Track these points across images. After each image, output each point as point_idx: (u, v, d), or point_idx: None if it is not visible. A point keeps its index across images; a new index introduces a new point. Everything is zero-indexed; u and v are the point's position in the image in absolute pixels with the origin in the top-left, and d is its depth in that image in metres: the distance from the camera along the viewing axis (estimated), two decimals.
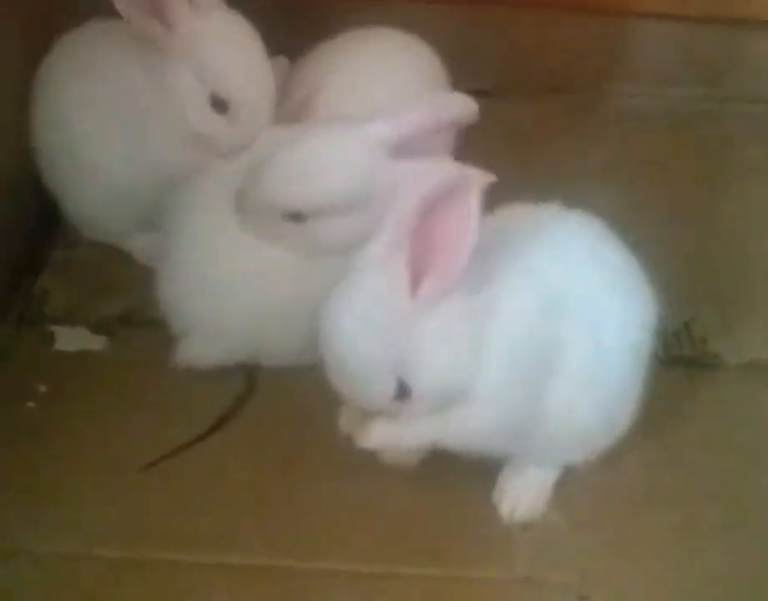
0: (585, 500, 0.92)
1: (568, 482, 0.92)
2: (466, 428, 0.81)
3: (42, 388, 1.03)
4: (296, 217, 0.90)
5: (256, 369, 1.04)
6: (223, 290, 0.96)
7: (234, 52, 0.97)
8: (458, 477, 0.93)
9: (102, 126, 1.07)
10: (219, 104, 0.97)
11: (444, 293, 0.75)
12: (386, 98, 1.02)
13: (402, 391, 0.77)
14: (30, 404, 1.01)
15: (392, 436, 0.82)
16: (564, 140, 1.37)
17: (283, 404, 1.01)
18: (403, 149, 0.86)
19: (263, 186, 0.90)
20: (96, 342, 1.09)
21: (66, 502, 0.92)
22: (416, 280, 0.74)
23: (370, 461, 0.94)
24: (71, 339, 1.09)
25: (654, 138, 1.40)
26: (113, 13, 0.96)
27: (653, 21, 1.58)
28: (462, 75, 1.35)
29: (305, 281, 0.93)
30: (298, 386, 1.01)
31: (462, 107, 0.88)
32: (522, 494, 0.91)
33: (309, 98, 1.03)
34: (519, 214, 0.86)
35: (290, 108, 1.03)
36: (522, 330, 0.78)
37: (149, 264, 1.12)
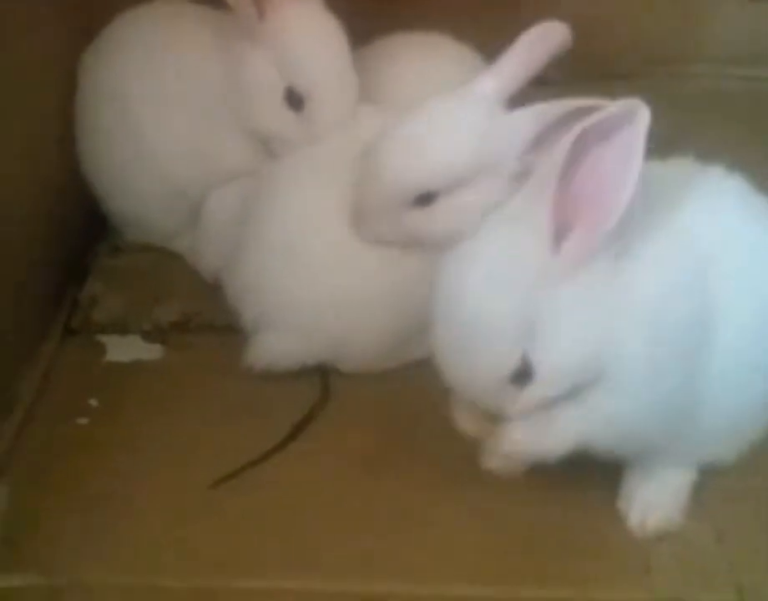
0: (730, 507, 0.80)
1: (709, 485, 0.80)
2: (611, 420, 0.69)
3: (95, 403, 0.93)
4: (426, 199, 0.82)
5: (330, 373, 0.94)
6: (307, 278, 0.88)
7: (321, 47, 0.92)
8: (573, 484, 0.81)
9: (162, 113, 0.99)
10: (294, 100, 0.92)
11: (590, 252, 0.64)
12: None
13: (523, 373, 0.66)
14: (82, 420, 0.91)
15: (532, 438, 0.71)
16: None
17: (360, 410, 0.91)
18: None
19: (385, 176, 0.82)
20: (150, 351, 0.99)
21: (126, 528, 0.81)
22: (561, 234, 0.64)
23: (469, 470, 0.84)
24: (123, 349, 1.00)
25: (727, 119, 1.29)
26: None
27: None
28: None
29: (393, 271, 0.87)
30: (373, 391, 0.92)
31: (557, 34, 0.83)
32: (656, 500, 0.78)
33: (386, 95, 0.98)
34: (655, 170, 0.74)
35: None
36: (668, 299, 0.67)
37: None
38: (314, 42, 0.92)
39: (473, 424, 0.78)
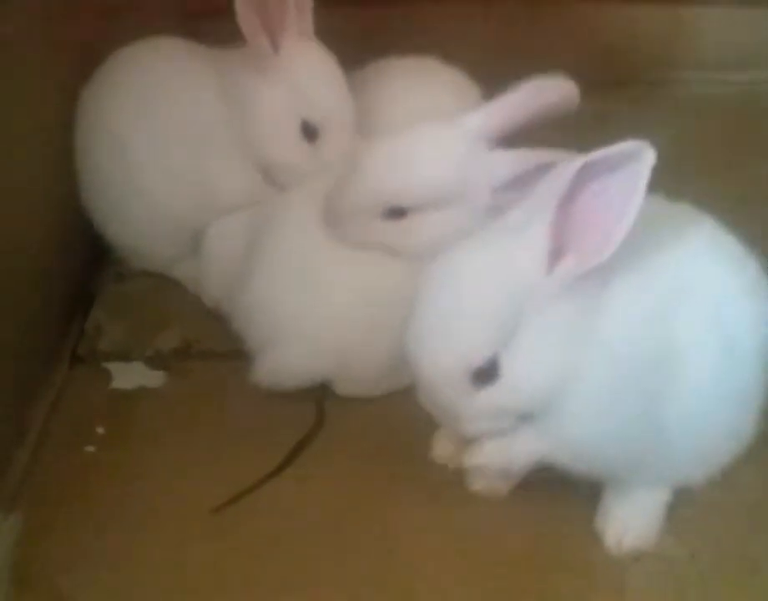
0: (703, 524, 0.83)
1: (683, 505, 0.83)
2: (572, 442, 0.73)
3: (101, 430, 0.97)
4: (396, 213, 0.87)
5: (325, 399, 0.98)
6: (313, 300, 0.92)
7: (329, 81, 0.97)
8: (556, 504, 0.85)
9: (158, 149, 1.02)
10: (309, 132, 0.96)
11: (581, 277, 0.68)
12: None
13: (487, 373, 0.70)
14: (89, 448, 0.95)
15: (501, 453, 0.75)
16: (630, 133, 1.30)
17: (353, 435, 0.95)
18: (503, 138, 0.85)
19: (363, 183, 0.88)
20: (154, 378, 1.03)
21: (132, 557, 0.85)
22: (555, 255, 0.68)
23: (457, 491, 0.88)
24: (127, 376, 1.04)
25: (722, 125, 1.33)
26: None
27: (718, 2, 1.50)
28: (513, 72, 1.29)
29: (396, 294, 0.89)
30: (366, 417, 0.96)
31: (562, 91, 0.85)
32: (631, 520, 0.82)
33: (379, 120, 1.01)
34: None
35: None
36: (629, 333, 0.71)
37: (199, 292, 1.08)
38: (325, 78, 0.97)
39: (448, 450, 0.82)
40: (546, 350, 0.70)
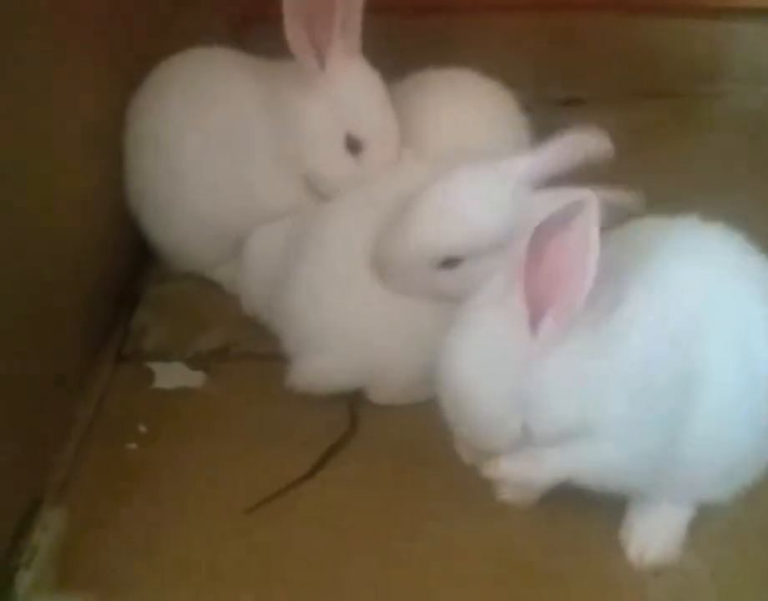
0: (725, 541, 0.84)
1: (705, 521, 0.84)
2: (595, 464, 0.75)
3: (143, 428, 1.01)
4: (450, 263, 0.88)
5: (357, 404, 1.01)
6: (353, 306, 0.95)
7: (373, 95, 1.00)
8: (583, 516, 0.87)
9: (203, 156, 1.06)
10: (353, 145, 0.99)
11: (567, 328, 0.69)
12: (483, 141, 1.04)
13: (526, 433, 0.72)
14: (132, 446, 0.99)
15: (522, 470, 0.77)
16: (665, 147, 1.30)
17: (385, 441, 0.98)
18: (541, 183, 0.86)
19: (414, 236, 0.88)
20: (194, 379, 1.07)
21: (170, 552, 0.88)
22: (536, 316, 0.69)
23: (487, 499, 0.90)
24: (169, 376, 1.07)
25: (758, 139, 1.32)
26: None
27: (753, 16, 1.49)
28: (553, 84, 1.30)
29: (433, 303, 0.92)
30: (401, 421, 0.98)
31: (596, 145, 0.87)
32: (654, 535, 0.83)
33: (418, 132, 1.04)
34: (653, 228, 0.79)
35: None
36: (649, 359, 0.72)
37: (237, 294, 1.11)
38: (370, 93, 1.00)
39: (470, 454, 0.85)
40: (559, 398, 0.72)
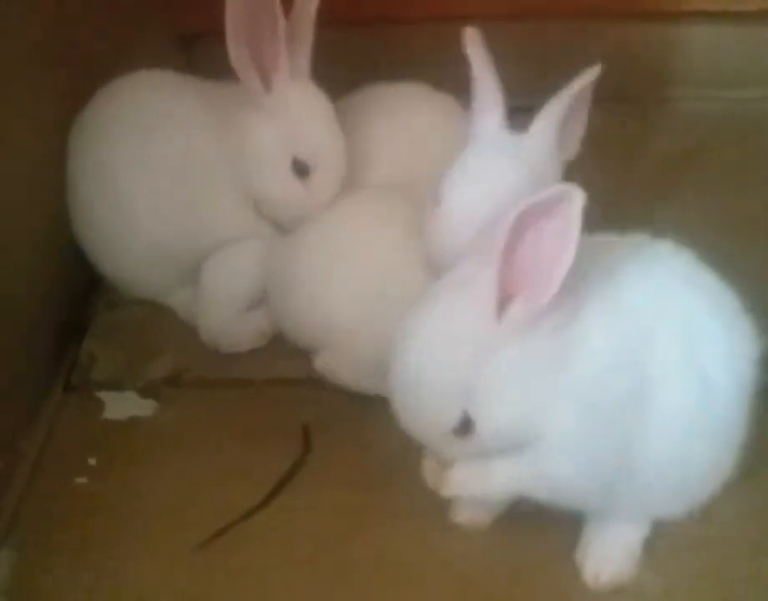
0: (681, 558, 0.84)
1: (659, 538, 0.84)
2: (545, 477, 0.74)
3: (93, 461, 0.99)
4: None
5: (313, 428, 1.00)
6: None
7: (320, 117, 0.98)
8: (538, 536, 0.86)
9: (148, 183, 1.03)
10: (300, 169, 0.97)
11: (531, 320, 0.69)
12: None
13: (464, 426, 0.71)
14: (81, 480, 0.97)
15: (473, 483, 0.76)
16: (621, 152, 1.31)
17: (340, 463, 0.97)
18: None
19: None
20: (145, 407, 1.05)
21: (124, 589, 0.87)
22: (503, 302, 0.69)
23: (441, 521, 0.89)
24: (119, 405, 1.05)
25: (717, 144, 1.32)
26: None
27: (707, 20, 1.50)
28: (509, 92, 1.29)
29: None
30: (354, 444, 0.97)
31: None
32: (609, 554, 0.83)
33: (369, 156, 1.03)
34: (604, 244, 0.79)
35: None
36: (605, 379, 0.72)
37: (191, 321, 1.10)
38: (317, 115, 0.98)
39: (436, 476, 0.82)
40: (509, 394, 0.70)
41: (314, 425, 1.00)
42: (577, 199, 0.66)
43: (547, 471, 0.74)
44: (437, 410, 0.72)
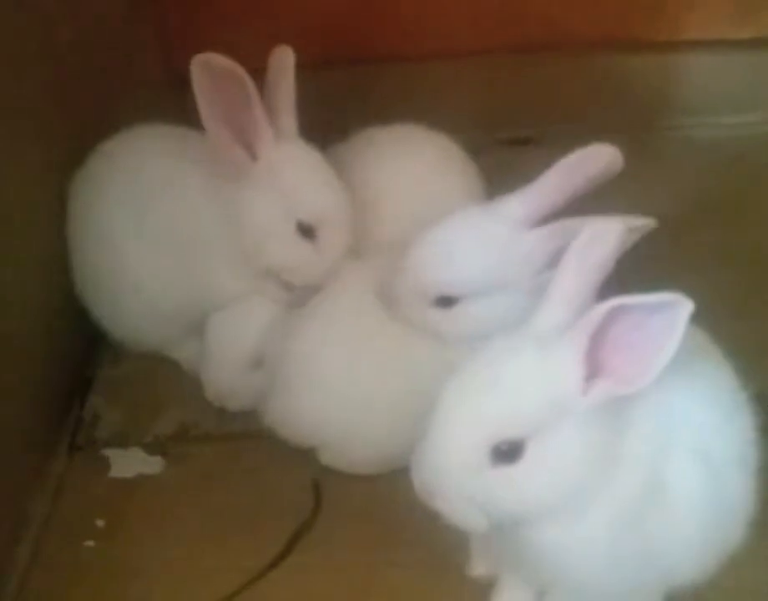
0: None
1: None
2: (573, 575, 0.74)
3: (101, 523, 0.97)
4: (446, 302, 0.89)
5: (323, 483, 0.99)
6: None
7: (317, 175, 0.95)
8: None
9: (146, 245, 1.02)
10: (306, 231, 0.94)
11: (614, 401, 0.68)
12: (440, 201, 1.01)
13: (510, 451, 0.69)
14: (89, 543, 0.95)
15: None
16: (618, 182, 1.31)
17: (352, 519, 0.95)
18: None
19: (410, 274, 0.90)
20: (152, 465, 1.04)
21: None
22: (590, 375, 0.68)
23: (458, 575, 0.88)
24: (126, 463, 1.04)
25: (714, 170, 1.32)
26: None
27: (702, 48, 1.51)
28: (503, 124, 1.29)
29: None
30: (365, 499, 0.96)
31: (603, 159, 0.84)
32: None
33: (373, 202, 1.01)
34: None
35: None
36: (641, 474, 0.71)
37: (197, 374, 1.07)
38: (312, 173, 0.95)
39: (485, 568, 0.84)
40: (572, 457, 0.69)
41: (322, 478, 0.98)
42: (684, 308, 0.65)
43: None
44: (498, 412, 0.68)
